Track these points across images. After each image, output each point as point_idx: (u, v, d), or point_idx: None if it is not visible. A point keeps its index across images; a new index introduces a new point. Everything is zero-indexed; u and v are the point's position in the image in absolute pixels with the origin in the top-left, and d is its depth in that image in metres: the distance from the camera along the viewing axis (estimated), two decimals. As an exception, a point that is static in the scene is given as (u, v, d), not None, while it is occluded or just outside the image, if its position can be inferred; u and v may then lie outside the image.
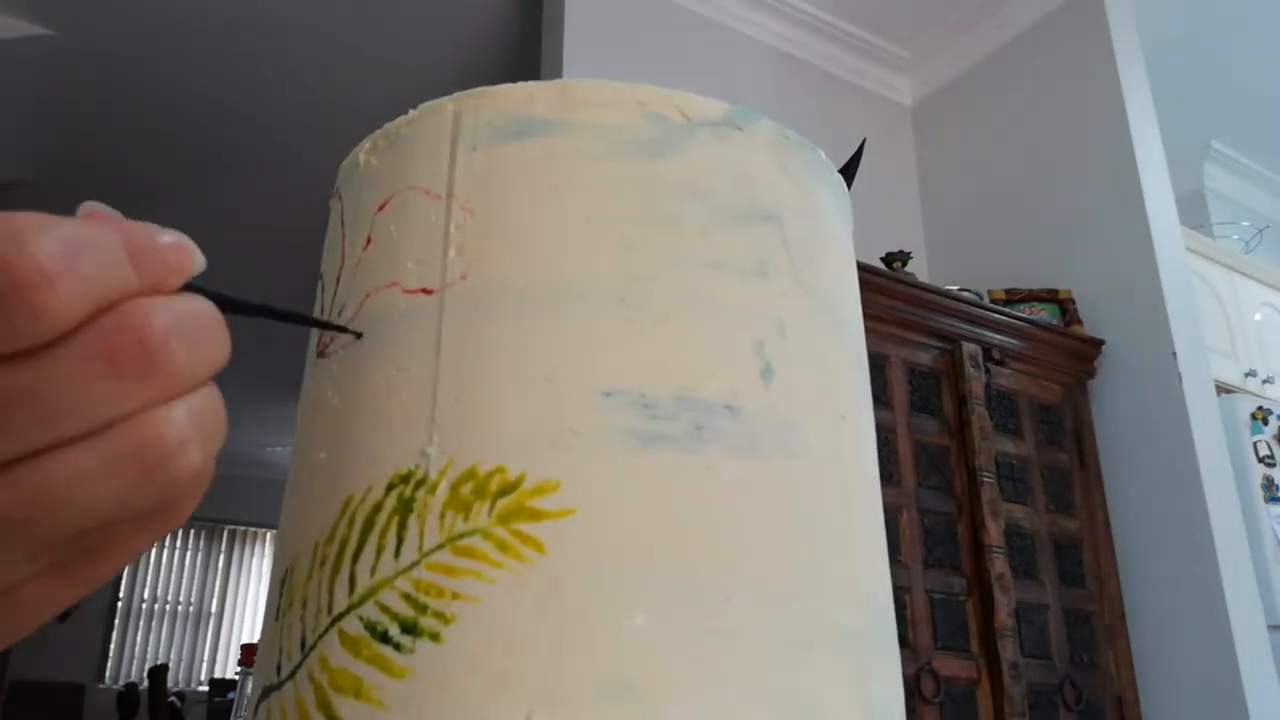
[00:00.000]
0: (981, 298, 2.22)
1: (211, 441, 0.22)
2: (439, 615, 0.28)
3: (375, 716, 0.28)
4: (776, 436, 0.32)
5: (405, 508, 0.30)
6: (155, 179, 3.72)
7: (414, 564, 0.29)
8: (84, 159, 3.61)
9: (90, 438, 0.20)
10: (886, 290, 1.94)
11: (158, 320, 0.20)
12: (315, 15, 2.82)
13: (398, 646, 0.28)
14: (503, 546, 0.29)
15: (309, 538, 0.32)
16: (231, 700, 5.62)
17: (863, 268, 1.77)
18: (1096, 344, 2.27)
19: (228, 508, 7.52)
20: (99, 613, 7.06)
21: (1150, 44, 2.64)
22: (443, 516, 0.29)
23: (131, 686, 6.49)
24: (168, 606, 7.49)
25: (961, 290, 2.15)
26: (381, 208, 0.36)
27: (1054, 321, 2.27)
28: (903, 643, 1.23)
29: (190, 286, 0.22)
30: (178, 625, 7.49)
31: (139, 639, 7.29)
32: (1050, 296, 2.32)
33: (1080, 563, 2.07)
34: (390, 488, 0.30)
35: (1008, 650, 1.83)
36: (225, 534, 7.80)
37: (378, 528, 0.30)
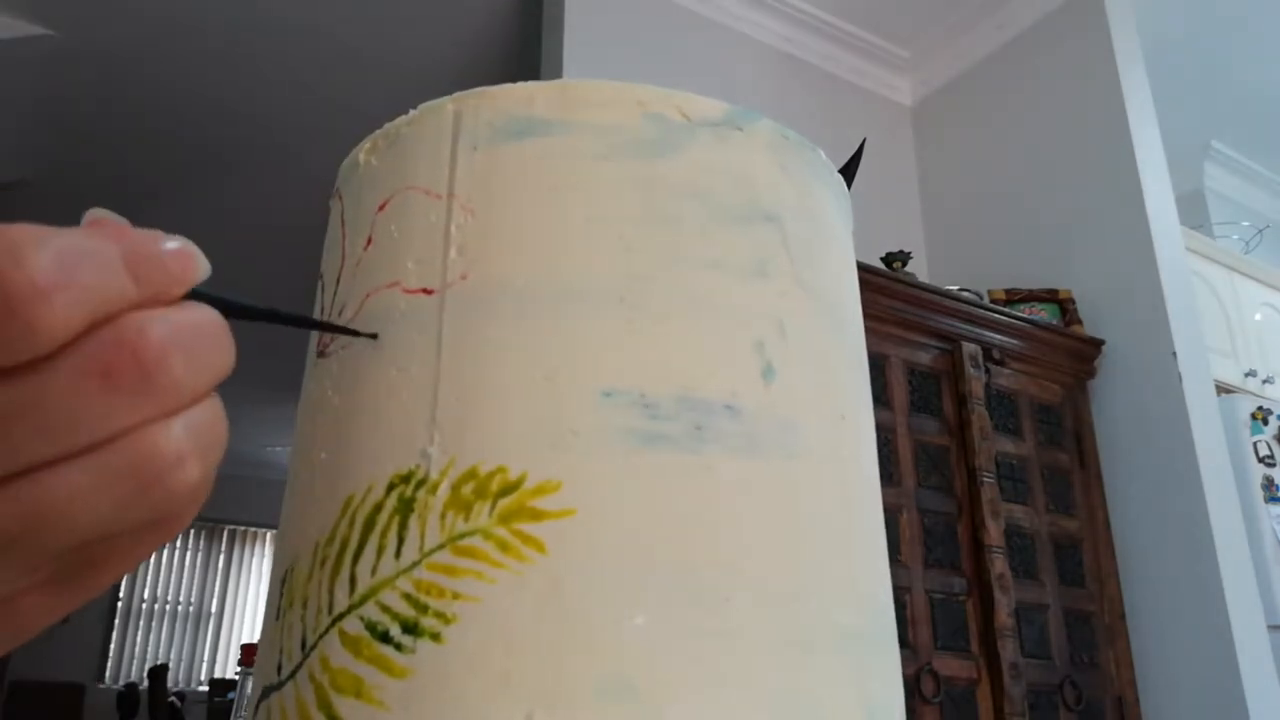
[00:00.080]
0: (981, 298, 2.22)
1: (211, 454, 0.21)
2: (440, 615, 0.28)
3: (376, 716, 0.28)
4: (777, 436, 0.32)
5: (406, 508, 0.30)
6: (155, 179, 3.72)
7: (415, 564, 0.29)
8: (84, 159, 3.61)
9: (87, 453, 0.19)
10: (886, 290, 1.94)
11: (155, 334, 0.20)
12: (315, 15, 2.82)
13: (398, 646, 0.28)
14: (503, 546, 0.29)
15: (309, 538, 0.32)
16: (231, 700, 5.62)
17: (863, 268, 1.77)
18: (1096, 344, 2.27)
19: (228, 508, 7.52)
20: (99, 613, 7.06)
21: (1150, 44, 2.64)
22: (443, 516, 0.29)
23: (131, 686, 6.49)
24: (168, 606, 7.49)
25: (961, 290, 2.15)
26: (382, 208, 0.36)
27: (1054, 321, 2.27)
28: (903, 643, 1.23)
29: (194, 293, 0.22)
30: (178, 625, 7.49)
31: (139, 639, 7.29)
32: (1050, 296, 2.32)
33: (1080, 563, 2.07)
34: (391, 488, 0.30)
35: (1008, 650, 1.83)
36: (225, 534, 7.80)
37: (378, 528, 0.30)
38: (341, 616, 0.30)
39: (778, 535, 0.31)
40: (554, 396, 0.30)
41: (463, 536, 0.29)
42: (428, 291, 0.33)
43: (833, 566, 0.32)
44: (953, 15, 2.83)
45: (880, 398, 1.87)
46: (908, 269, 2.15)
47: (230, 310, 0.23)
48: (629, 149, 0.34)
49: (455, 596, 0.28)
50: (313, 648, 0.30)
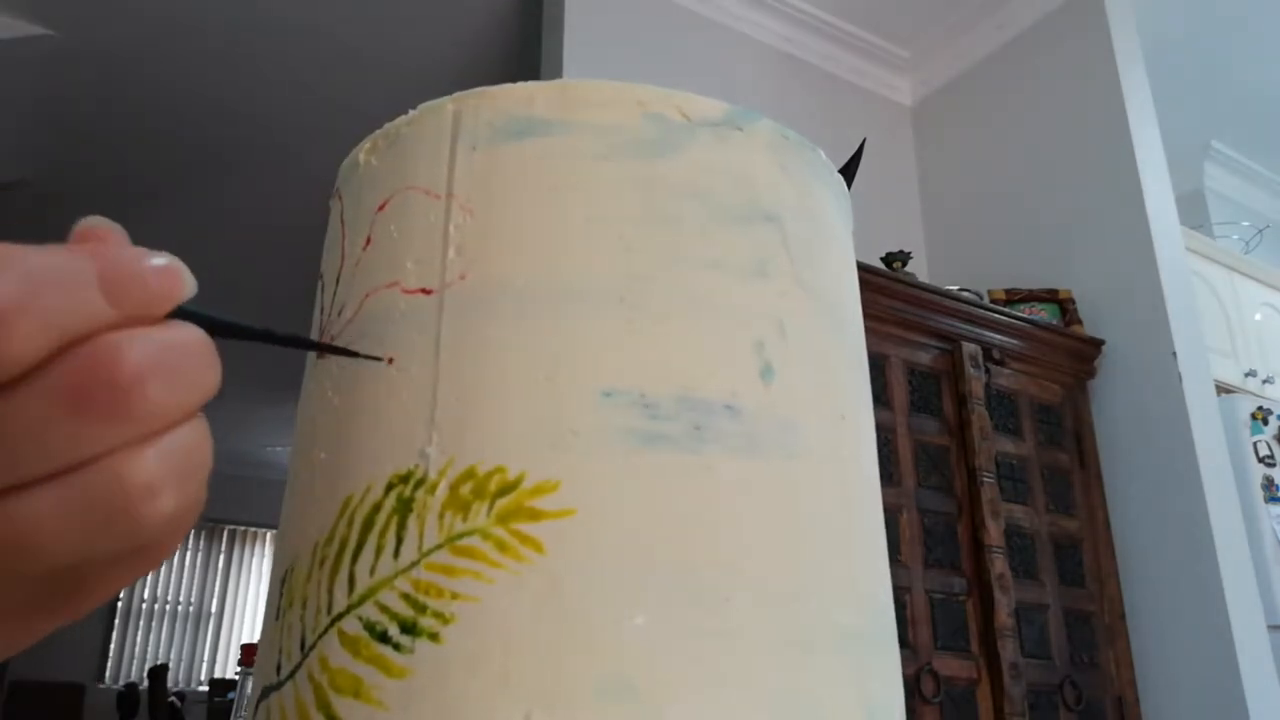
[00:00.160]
0: (981, 298, 2.22)
1: (190, 482, 0.20)
2: (438, 615, 0.28)
3: (375, 716, 0.28)
4: (776, 436, 0.32)
5: (404, 508, 0.30)
6: (155, 179, 3.72)
7: (413, 564, 0.29)
8: (84, 159, 3.61)
9: (52, 480, 0.19)
10: (886, 290, 1.94)
11: (131, 356, 0.19)
12: (315, 15, 2.82)
13: (397, 646, 0.28)
14: (502, 546, 0.28)
15: (309, 538, 0.32)
16: (231, 700, 5.62)
17: (863, 268, 1.77)
18: (1096, 344, 2.27)
19: (228, 508, 7.52)
20: (99, 613, 7.06)
21: (1150, 44, 2.64)
22: (442, 516, 0.29)
23: (131, 686, 6.48)
24: (167, 606, 7.49)
25: (961, 290, 2.15)
26: (381, 208, 0.36)
27: (1054, 321, 2.27)
28: (903, 643, 1.23)
29: (181, 311, 0.21)
30: (178, 625, 7.49)
31: (139, 639, 7.29)
32: (1050, 296, 2.32)
33: (1080, 563, 2.07)
34: (390, 488, 0.30)
35: (1008, 650, 1.83)
36: (225, 534, 7.80)
37: (377, 528, 0.30)
38: (340, 616, 0.30)
39: (778, 535, 0.31)
40: (553, 396, 0.30)
41: (461, 536, 0.29)
42: (427, 291, 0.33)
43: (833, 566, 0.32)
44: (953, 15, 2.83)
45: (880, 398, 1.87)
46: (908, 269, 2.15)
47: (218, 329, 0.22)
48: (629, 149, 0.34)
49: (454, 596, 0.28)
50: (312, 648, 0.30)
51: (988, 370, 2.07)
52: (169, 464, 0.20)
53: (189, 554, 7.68)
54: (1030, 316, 2.21)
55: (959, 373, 2.02)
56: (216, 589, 7.70)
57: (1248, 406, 2.59)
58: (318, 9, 2.80)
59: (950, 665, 1.78)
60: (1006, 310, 2.16)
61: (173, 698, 6.01)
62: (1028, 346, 2.16)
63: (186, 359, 0.20)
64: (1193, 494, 2.06)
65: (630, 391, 0.31)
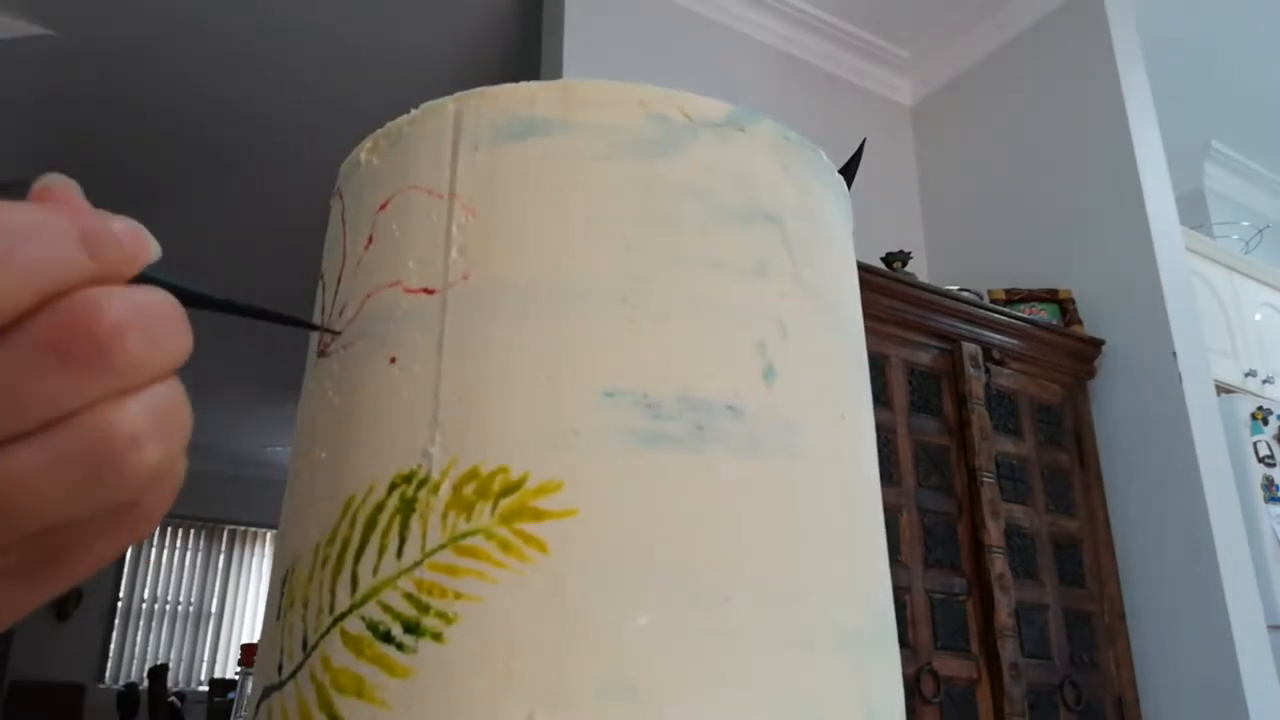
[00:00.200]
0: (981, 298, 2.22)
1: (172, 438, 0.20)
2: (441, 615, 0.28)
3: (377, 716, 0.28)
4: (778, 437, 0.32)
5: (407, 507, 0.30)
6: (155, 179, 3.71)
7: (416, 564, 0.29)
8: (84, 159, 3.61)
9: (39, 433, 0.19)
10: (886, 290, 1.94)
11: (111, 309, 0.19)
12: (315, 15, 2.82)
13: (400, 646, 0.28)
14: (505, 546, 0.29)
15: (310, 538, 0.32)
16: (231, 700, 5.62)
17: (863, 268, 1.77)
18: (1096, 344, 2.27)
19: (228, 508, 7.52)
20: (99, 613, 7.06)
21: (1150, 44, 2.64)
22: (445, 516, 0.29)
23: (131, 686, 6.49)
24: (168, 606, 7.48)
25: (961, 290, 2.15)
26: (383, 207, 0.36)
27: (1054, 321, 2.27)
28: (903, 643, 1.23)
29: (147, 278, 0.21)
30: (178, 625, 7.49)
31: (139, 639, 7.29)
32: (1050, 296, 2.32)
33: (1080, 563, 2.07)
34: (392, 487, 0.31)
35: (1008, 650, 1.83)
36: (225, 534, 7.80)
37: (380, 527, 0.30)
38: (343, 616, 0.30)
39: (778, 535, 0.31)
40: (555, 396, 0.30)
41: (464, 536, 0.29)
42: (429, 291, 0.33)
43: (833, 566, 0.32)
44: (953, 15, 2.83)
45: (880, 398, 1.87)
46: (908, 269, 2.15)
47: (183, 297, 0.22)
48: (630, 149, 0.34)
49: (457, 596, 0.28)
50: (314, 647, 0.30)
51: (988, 370, 2.07)
52: (151, 416, 0.20)
53: (189, 554, 7.68)
54: (1030, 316, 2.21)
55: (959, 373, 2.02)
56: (216, 589, 7.70)
57: (1248, 406, 2.59)
58: (318, 9, 2.80)
59: (950, 665, 1.78)
60: (1006, 310, 2.16)
61: (173, 698, 6.01)
62: (1028, 346, 2.16)
63: (162, 320, 0.20)
64: (1193, 494, 2.06)
65: (632, 391, 0.31)
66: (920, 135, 2.98)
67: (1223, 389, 2.65)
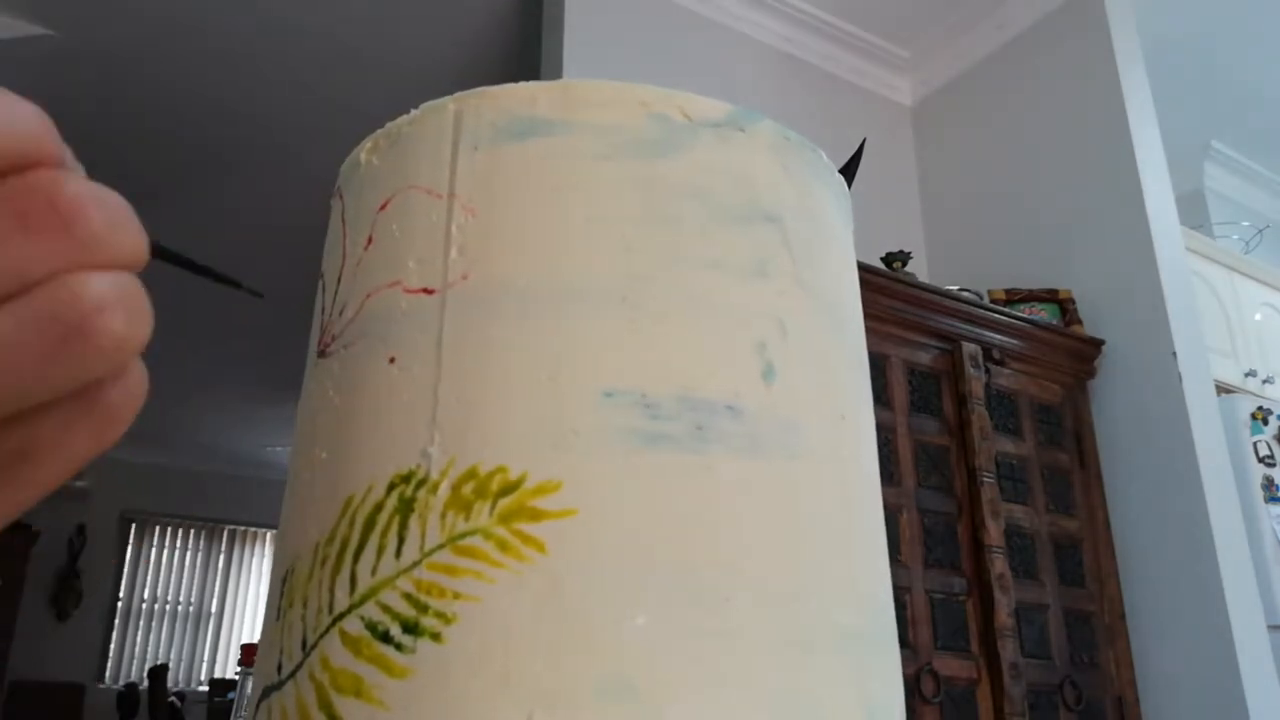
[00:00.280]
0: (981, 298, 2.22)
1: (137, 318, 0.20)
2: (440, 615, 0.28)
3: (376, 716, 0.28)
4: (778, 437, 0.32)
5: (406, 507, 0.30)
6: (155, 179, 3.72)
7: (415, 564, 0.29)
8: (84, 159, 3.58)
9: (4, 302, 0.19)
10: (886, 290, 1.94)
11: (71, 184, 0.20)
12: (315, 15, 2.82)
13: (399, 646, 0.28)
14: (504, 546, 0.29)
15: (310, 538, 0.32)
16: (231, 700, 5.61)
17: (863, 268, 1.77)
18: (1096, 344, 2.27)
19: (228, 508, 7.52)
20: (99, 613, 7.06)
21: (1150, 44, 2.64)
22: (444, 516, 0.29)
23: (131, 686, 6.49)
24: (168, 606, 7.48)
25: (961, 290, 2.15)
26: (383, 207, 0.36)
27: (1054, 321, 2.27)
28: (903, 643, 1.23)
29: None
30: (178, 625, 7.49)
31: (139, 639, 7.29)
32: (1050, 296, 2.32)
33: (1080, 563, 2.07)
34: (391, 487, 0.30)
35: (1008, 650, 1.83)
36: (225, 534, 7.80)
37: (379, 527, 0.30)
38: (342, 616, 0.30)
39: (778, 535, 0.31)
40: (555, 396, 0.30)
41: (463, 536, 0.29)
42: (429, 291, 0.33)
43: (833, 566, 0.32)
44: (953, 15, 2.83)
45: (880, 398, 1.87)
46: (908, 269, 2.15)
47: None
48: (630, 149, 0.34)
49: (456, 596, 0.28)
50: (313, 647, 0.30)
51: (988, 370, 2.07)
52: (117, 290, 0.20)
53: (189, 554, 7.68)
54: (1030, 316, 2.21)
55: (959, 373, 2.02)
56: (216, 589, 7.69)
57: (1248, 406, 2.59)
58: (318, 9, 2.80)
59: (950, 665, 1.78)
60: (1006, 310, 2.16)
61: (173, 698, 6.01)
62: (1028, 346, 2.16)
63: (119, 206, 0.21)
64: (1193, 494, 2.06)
65: (631, 391, 0.31)
66: (920, 135, 2.98)
67: (1223, 389, 2.65)
